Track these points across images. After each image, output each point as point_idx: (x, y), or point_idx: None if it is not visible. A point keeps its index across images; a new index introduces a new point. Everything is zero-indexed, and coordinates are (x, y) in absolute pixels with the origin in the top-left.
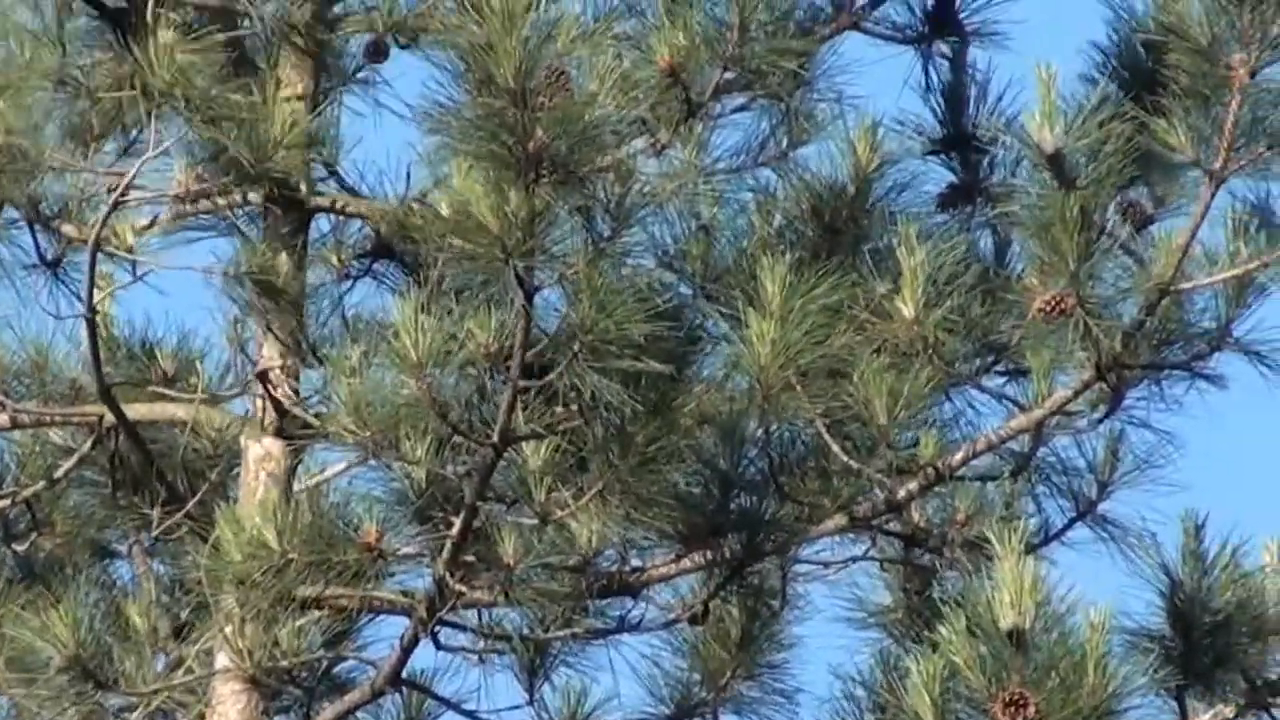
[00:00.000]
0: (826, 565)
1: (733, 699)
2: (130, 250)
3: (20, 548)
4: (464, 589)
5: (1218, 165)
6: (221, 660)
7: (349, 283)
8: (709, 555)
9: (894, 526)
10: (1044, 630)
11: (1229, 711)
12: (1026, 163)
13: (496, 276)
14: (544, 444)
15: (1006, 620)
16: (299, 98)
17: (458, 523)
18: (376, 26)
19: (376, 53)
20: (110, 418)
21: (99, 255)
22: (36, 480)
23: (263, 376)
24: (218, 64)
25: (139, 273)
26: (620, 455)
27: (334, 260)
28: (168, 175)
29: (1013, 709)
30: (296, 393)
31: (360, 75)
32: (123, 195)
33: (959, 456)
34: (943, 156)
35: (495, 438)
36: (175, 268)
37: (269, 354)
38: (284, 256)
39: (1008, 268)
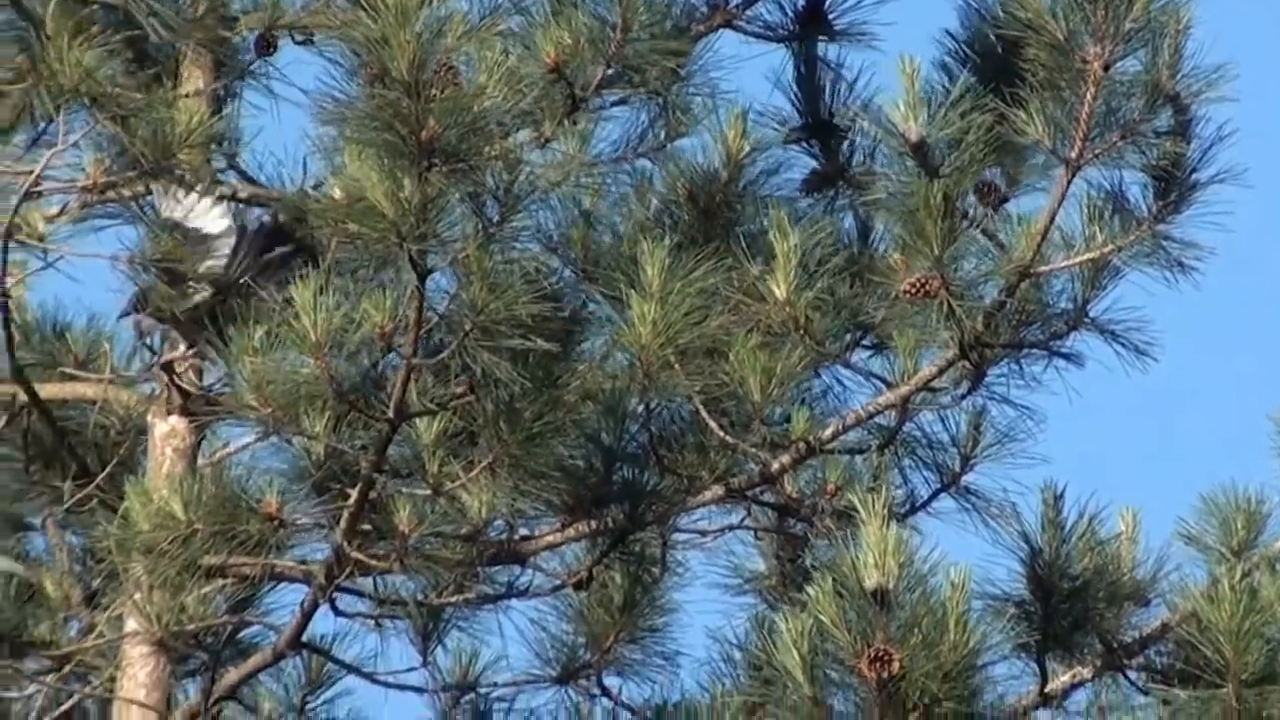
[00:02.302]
0: (704, 534)
1: (616, 661)
2: (41, 239)
3: None
4: (361, 557)
5: (1074, 154)
6: (131, 625)
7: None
8: (593, 525)
9: (768, 497)
10: (907, 590)
11: (1087, 672)
12: (884, 149)
13: (391, 260)
14: (436, 419)
15: (871, 581)
16: (198, 93)
17: (355, 494)
18: (270, 23)
19: (265, 46)
20: (23, 397)
21: (10, 243)
22: None
23: (167, 367)
24: (121, 62)
25: (50, 260)
26: (509, 430)
27: None
28: (77, 166)
29: (878, 664)
30: (200, 374)
31: (255, 69)
32: (33, 187)
33: (829, 431)
34: (805, 144)
35: (390, 413)
36: (84, 255)
37: (172, 344)
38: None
39: (871, 247)
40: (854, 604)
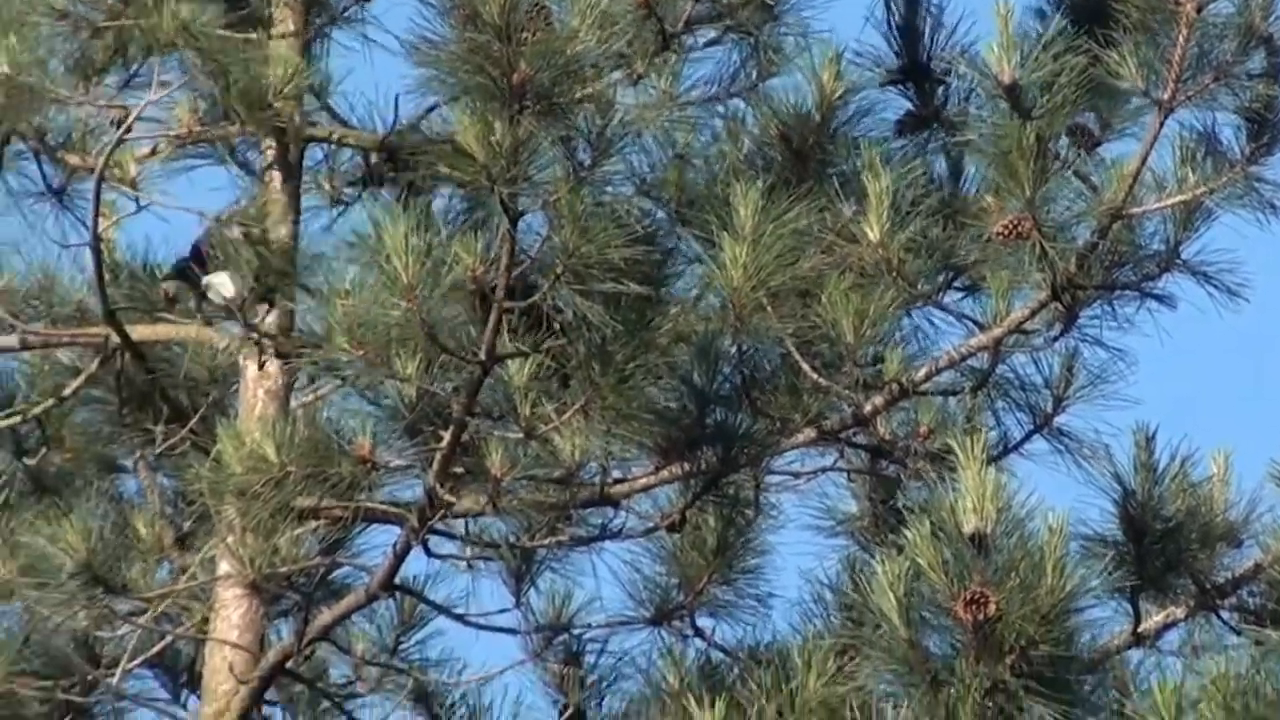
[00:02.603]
0: (797, 476)
1: (709, 602)
2: (133, 183)
3: (32, 462)
4: (453, 499)
5: (1166, 96)
6: (223, 567)
7: (341, 208)
8: (686, 467)
9: (861, 439)
10: (1004, 534)
11: (1180, 613)
12: (979, 93)
13: (482, 203)
14: (528, 362)
15: (969, 524)
16: (289, 34)
17: (447, 436)
18: None
19: None
20: (115, 338)
21: (102, 184)
22: (46, 398)
23: (258, 340)
24: (216, 11)
25: (141, 204)
26: (601, 372)
27: (327, 187)
28: (168, 108)
29: (974, 607)
30: (289, 327)
31: (348, 14)
32: (126, 132)
33: (922, 372)
34: (900, 87)
35: (481, 356)
36: (174, 207)
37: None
38: (277, 195)
39: (962, 188)
40: (951, 547)
